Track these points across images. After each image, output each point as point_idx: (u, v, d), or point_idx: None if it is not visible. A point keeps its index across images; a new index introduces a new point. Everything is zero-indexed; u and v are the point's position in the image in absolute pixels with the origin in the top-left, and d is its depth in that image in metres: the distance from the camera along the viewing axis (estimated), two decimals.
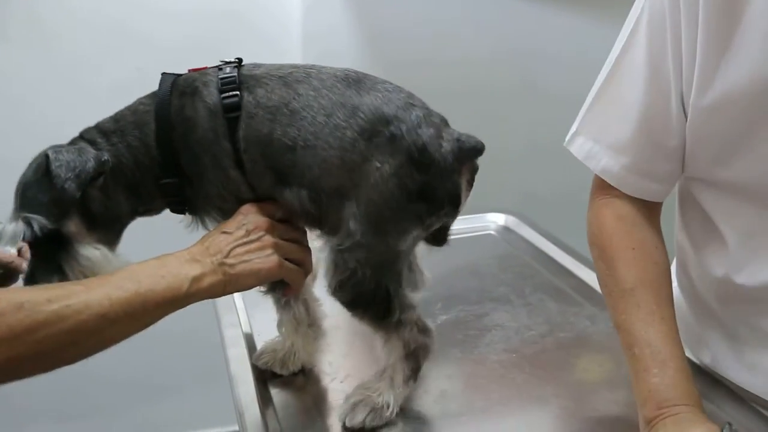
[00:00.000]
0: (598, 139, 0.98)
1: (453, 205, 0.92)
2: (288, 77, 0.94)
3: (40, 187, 0.92)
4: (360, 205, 0.89)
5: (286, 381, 1.07)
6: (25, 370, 0.76)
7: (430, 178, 0.88)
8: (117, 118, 0.98)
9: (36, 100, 1.82)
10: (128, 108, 0.99)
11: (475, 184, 1.02)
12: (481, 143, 0.92)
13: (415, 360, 0.97)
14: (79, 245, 0.95)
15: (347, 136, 0.88)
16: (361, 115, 0.89)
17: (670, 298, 0.92)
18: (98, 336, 0.80)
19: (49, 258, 0.94)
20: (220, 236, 0.93)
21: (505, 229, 1.60)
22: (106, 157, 0.95)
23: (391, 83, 0.94)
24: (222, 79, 0.94)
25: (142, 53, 1.82)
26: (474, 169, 0.95)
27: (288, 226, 0.99)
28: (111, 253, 0.98)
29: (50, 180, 0.91)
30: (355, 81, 0.92)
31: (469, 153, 0.91)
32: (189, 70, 0.99)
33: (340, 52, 2.03)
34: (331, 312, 1.17)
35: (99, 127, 0.98)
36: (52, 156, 0.91)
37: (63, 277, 0.94)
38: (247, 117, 0.93)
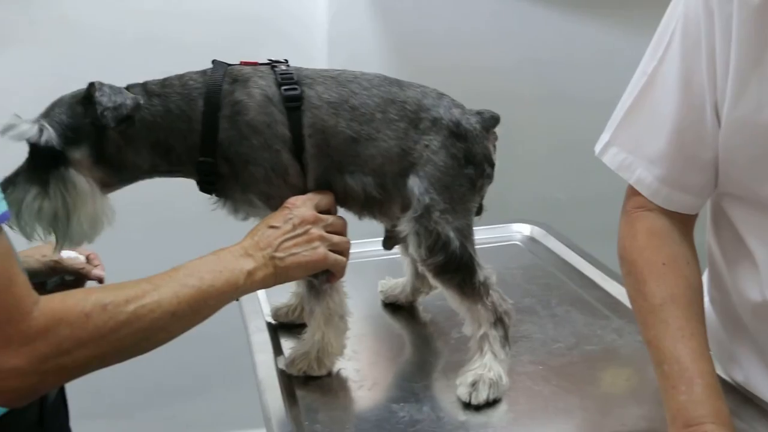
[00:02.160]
0: (632, 150, 0.99)
1: (490, 165, 1.08)
2: (339, 77, 1.07)
3: (69, 109, 0.98)
4: (422, 179, 1.03)
5: (313, 387, 1.08)
6: (105, 364, 0.81)
7: (468, 144, 1.05)
8: (165, 83, 1.03)
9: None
10: (178, 77, 1.04)
11: (499, 192, 1.13)
12: (497, 114, 1.09)
13: (503, 325, 1.07)
14: (74, 173, 0.98)
15: (401, 127, 1.05)
16: (408, 108, 1.05)
17: (701, 315, 0.93)
18: (167, 331, 0.86)
19: (41, 169, 0.97)
20: (269, 230, 0.99)
21: (531, 240, 1.61)
22: (141, 102, 1.00)
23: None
24: (281, 74, 1.04)
25: (168, 57, 1.84)
26: (496, 136, 1.10)
27: (331, 218, 1.04)
28: (100, 193, 1.01)
29: (85, 107, 0.97)
30: (394, 80, 1.08)
31: (490, 121, 1.09)
32: (241, 62, 1.06)
33: (365, 57, 2.05)
34: (357, 319, 1.19)
35: (145, 86, 1.03)
36: (97, 85, 0.97)
37: (41, 191, 0.96)
38: (311, 108, 1.03)
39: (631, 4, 2.16)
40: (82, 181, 0.98)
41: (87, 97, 0.97)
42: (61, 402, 1.03)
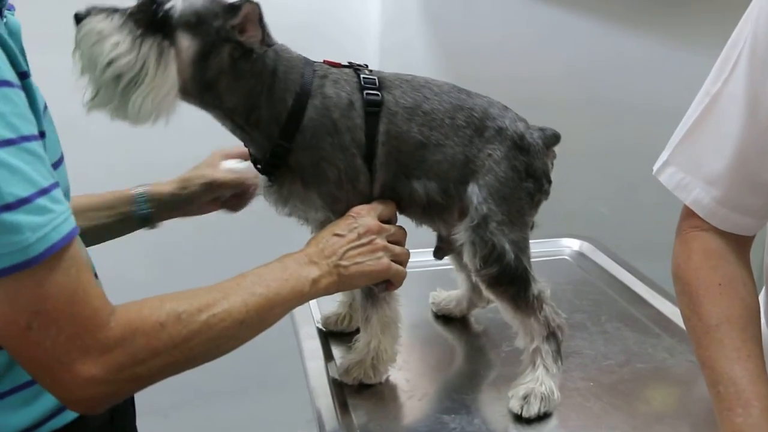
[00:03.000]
0: (690, 170, 0.99)
1: (548, 181, 1.09)
2: (413, 81, 1.07)
3: (212, 2, 0.94)
4: (481, 188, 1.04)
5: (364, 396, 1.10)
6: (177, 372, 0.82)
7: (530, 159, 1.06)
8: (281, 48, 1.02)
9: None
10: (287, 51, 1.04)
11: (546, 205, 1.12)
12: (558, 133, 1.11)
13: (555, 340, 1.08)
14: (172, 55, 0.92)
15: (467, 134, 1.06)
16: (476, 115, 1.06)
17: (758, 337, 0.92)
18: (236, 338, 0.87)
19: (143, 28, 0.90)
20: (333, 238, 1.00)
21: (580, 255, 1.61)
22: (273, 44, 0.99)
23: None
24: (365, 78, 1.04)
25: None
26: (555, 154, 1.12)
27: (393, 228, 1.06)
28: (176, 88, 0.93)
29: (227, 11, 0.94)
30: (462, 89, 1.09)
31: (551, 139, 1.10)
32: (324, 61, 1.07)
33: (416, 66, 2.04)
34: (406, 328, 1.20)
35: (274, 44, 1.00)
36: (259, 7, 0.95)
37: (130, 44, 0.89)
38: (389, 114, 1.04)
39: (675, 16, 2.15)
40: (172, 66, 0.92)
41: (237, 7, 0.94)
42: (130, 404, 1.05)
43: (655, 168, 1.04)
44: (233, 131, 1.05)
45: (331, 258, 0.98)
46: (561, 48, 2.22)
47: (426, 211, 1.08)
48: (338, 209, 1.04)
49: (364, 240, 1.01)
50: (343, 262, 0.99)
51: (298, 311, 1.31)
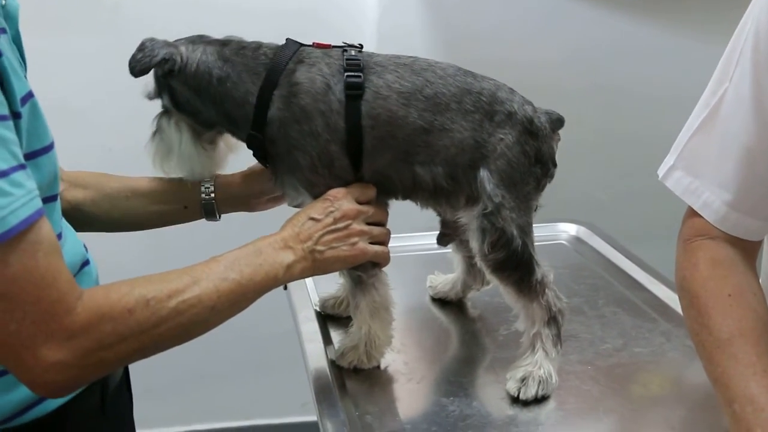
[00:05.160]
0: (698, 174, 0.96)
1: (554, 165, 1.09)
2: (413, 65, 1.05)
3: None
4: (493, 173, 1.04)
5: (363, 378, 1.10)
6: (144, 357, 0.82)
7: (539, 143, 1.06)
8: (240, 51, 1.06)
9: (114, 98, 1.90)
10: (256, 47, 1.07)
11: (545, 191, 1.12)
12: (563, 116, 1.11)
13: (556, 324, 1.08)
14: (166, 119, 1.12)
15: (476, 118, 1.04)
16: (484, 99, 1.05)
17: None
18: (206, 324, 0.87)
19: (157, 117, 1.13)
20: (309, 222, 1.00)
21: (577, 240, 1.62)
22: (170, 58, 1.04)
23: None
24: (348, 60, 1.03)
25: None
26: (559, 137, 1.11)
27: (372, 209, 1.06)
28: (190, 138, 1.11)
29: None
30: (468, 71, 1.07)
31: (556, 123, 1.10)
32: (314, 43, 1.07)
33: (415, 51, 2.05)
34: (405, 311, 1.22)
35: (224, 45, 1.07)
36: (142, 41, 1.05)
37: (153, 133, 1.12)
38: (377, 98, 1.02)
39: (680, 2, 2.15)
40: (171, 126, 1.11)
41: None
42: (125, 389, 1.05)
43: (660, 173, 1.02)
44: (234, 136, 1.13)
45: (307, 243, 0.98)
46: (563, 33, 2.23)
47: (433, 196, 1.08)
48: (316, 193, 1.05)
49: (339, 225, 1.01)
50: (318, 247, 0.99)
51: (296, 295, 1.33)
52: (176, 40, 1.08)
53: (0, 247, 0.69)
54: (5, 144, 0.70)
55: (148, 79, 1.08)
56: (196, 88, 1.06)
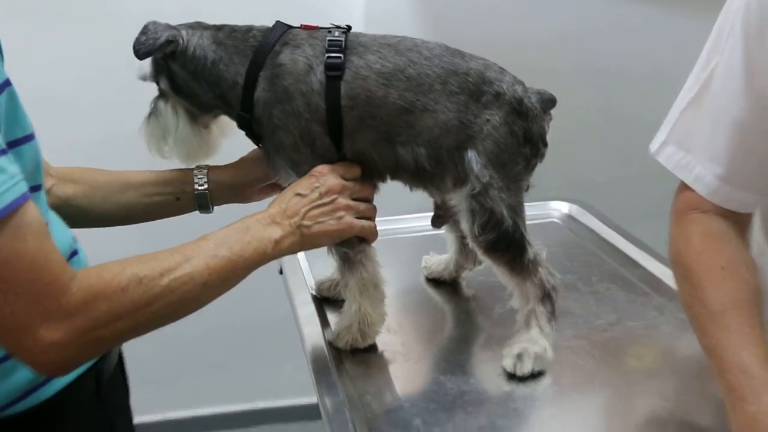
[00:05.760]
0: (690, 149, 0.97)
1: (544, 145, 1.09)
2: (398, 46, 1.06)
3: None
4: (481, 154, 1.04)
5: (361, 359, 1.12)
6: (138, 334, 0.84)
7: (528, 123, 1.06)
8: (233, 33, 1.09)
9: (107, 84, 1.90)
10: (246, 30, 1.09)
11: (537, 170, 1.12)
12: (554, 96, 1.10)
13: (550, 301, 1.10)
14: (163, 101, 1.13)
15: (461, 99, 1.04)
16: (471, 80, 1.05)
17: (764, 321, 0.89)
18: (198, 301, 0.88)
19: (154, 101, 1.15)
20: (295, 198, 1.02)
21: (569, 218, 1.63)
22: (176, 39, 1.07)
23: None
24: (330, 41, 1.04)
25: None
26: (551, 117, 1.11)
27: (358, 185, 1.07)
28: (186, 120, 1.13)
29: None
30: (456, 51, 1.07)
31: (548, 103, 1.10)
32: (301, 25, 1.09)
33: (402, 33, 2.07)
34: (401, 292, 1.24)
35: (218, 30, 1.10)
36: (145, 24, 1.07)
37: (148, 117, 1.14)
38: (356, 78, 1.03)
39: None
40: (168, 108, 1.12)
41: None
42: (120, 377, 1.06)
43: (652, 148, 1.03)
44: (231, 117, 1.13)
45: (294, 218, 1.00)
46: (555, 13, 2.22)
47: (415, 177, 1.09)
48: (301, 171, 1.07)
49: (326, 200, 1.03)
50: (306, 222, 1.01)
51: (293, 279, 1.34)
52: (177, 25, 1.09)
53: None
54: None
55: (144, 62, 1.09)
56: (194, 71, 1.08)
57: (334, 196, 1.03)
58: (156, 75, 1.11)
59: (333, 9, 2.08)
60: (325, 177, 1.04)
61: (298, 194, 1.02)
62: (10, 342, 0.76)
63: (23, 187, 0.74)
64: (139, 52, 1.05)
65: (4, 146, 0.74)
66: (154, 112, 1.13)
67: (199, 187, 1.14)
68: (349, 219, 1.04)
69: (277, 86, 1.04)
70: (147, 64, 1.10)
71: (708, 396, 1.01)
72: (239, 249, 0.92)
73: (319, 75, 1.03)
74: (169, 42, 1.06)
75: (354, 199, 1.06)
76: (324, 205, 1.02)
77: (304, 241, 1.01)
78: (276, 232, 0.98)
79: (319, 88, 1.04)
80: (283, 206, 1.01)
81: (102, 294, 0.78)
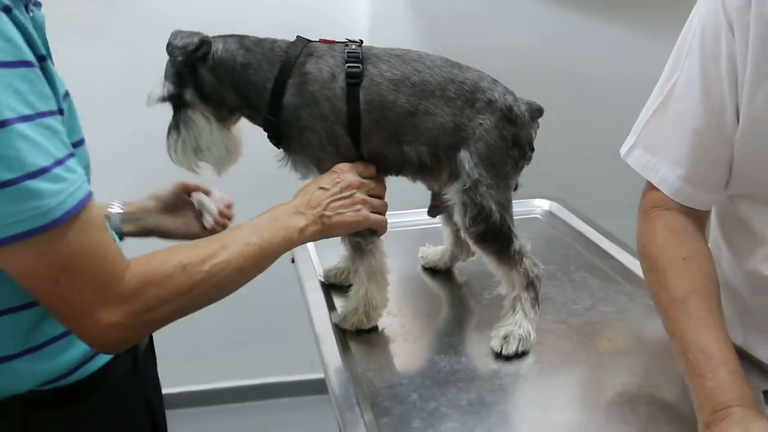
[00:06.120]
0: (655, 152, 1.00)
1: (531, 149, 1.13)
2: (405, 57, 1.10)
3: (172, 62, 1.09)
4: (473, 154, 1.08)
5: (364, 339, 1.15)
6: (184, 315, 0.87)
7: (517, 129, 1.10)
8: (260, 42, 1.11)
9: (129, 93, 1.91)
10: (272, 41, 1.12)
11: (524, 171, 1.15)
12: (542, 107, 1.14)
13: (534, 289, 1.13)
14: (191, 111, 1.11)
15: (458, 105, 1.08)
16: (466, 88, 1.09)
17: (720, 306, 0.93)
18: (234, 285, 0.91)
19: (176, 116, 1.12)
20: (318, 191, 1.05)
21: (550, 214, 1.66)
22: (209, 39, 1.08)
23: None
24: (349, 53, 1.08)
25: None
26: (538, 125, 1.15)
27: (373, 183, 1.10)
28: (217, 125, 1.12)
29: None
30: (455, 63, 1.12)
31: (536, 112, 1.14)
32: (320, 40, 1.12)
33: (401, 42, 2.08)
34: (401, 280, 1.26)
35: (243, 38, 1.11)
36: (174, 32, 1.08)
37: (176, 131, 1.11)
38: (371, 84, 1.08)
39: (658, 8, 2.17)
40: (198, 116, 1.11)
41: (168, 43, 1.07)
42: (150, 351, 1.08)
43: (622, 151, 1.06)
44: (251, 121, 1.15)
45: (317, 209, 1.03)
46: (530, 21, 2.24)
47: (418, 172, 1.13)
48: (324, 168, 1.10)
49: (345, 194, 1.06)
50: (327, 213, 1.04)
51: (303, 267, 1.37)
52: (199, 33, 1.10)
53: (61, 227, 0.73)
54: (58, 135, 0.74)
55: (154, 85, 1.09)
56: (222, 73, 1.09)
57: (353, 191, 1.07)
58: (180, 87, 1.09)
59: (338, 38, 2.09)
60: (346, 174, 1.07)
61: (321, 188, 1.05)
62: (74, 323, 0.79)
63: (88, 186, 0.77)
64: (177, 56, 1.06)
65: (72, 150, 0.77)
66: (183, 123, 1.11)
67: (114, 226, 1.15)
68: (365, 212, 1.07)
69: (304, 92, 1.08)
70: (160, 86, 1.09)
71: (672, 374, 1.04)
72: (269, 236, 0.96)
73: (341, 82, 1.07)
74: (203, 42, 1.07)
75: (369, 196, 1.09)
76: (344, 198, 1.06)
77: (325, 230, 1.04)
78: (301, 221, 1.01)
79: (341, 94, 1.07)
80: (307, 198, 1.04)
81: (152, 281, 0.81)
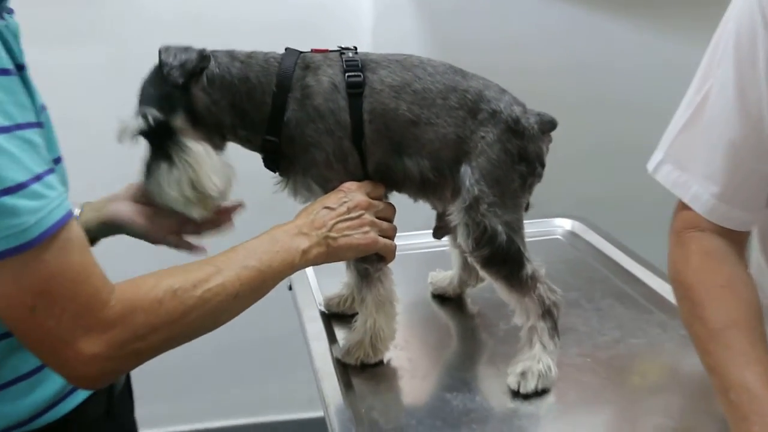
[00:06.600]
0: (686, 168, 0.94)
1: (541, 165, 1.06)
2: (405, 62, 1.05)
3: (154, 83, 0.99)
4: (474, 169, 1.02)
5: (368, 375, 1.07)
6: (175, 345, 0.81)
7: (524, 143, 1.03)
8: (251, 54, 1.04)
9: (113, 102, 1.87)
10: (263, 53, 1.04)
11: (539, 188, 1.08)
12: (555, 119, 1.07)
13: (551, 317, 1.05)
14: (184, 138, 1.00)
15: (460, 115, 1.03)
16: (469, 97, 1.03)
17: (764, 338, 0.86)
18: (230, 311, 0.85)
19: (161, 148, 0.99)
20: (323, 211, 0.99)
21: (572, 234, 1.59)
22: (207, 53, 1.00)
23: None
24: (347, 61, 1.03)
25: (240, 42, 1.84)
26: (550, 139, 1.08)
27: (382, 204, 1.04)
28: (212, 150, 1.02)
29: (162, 74, 0.97)
30: (459, 70, 1.06)
31: (547, 125, 1.06)
32: (312, 50, 1.06)
33: None
34: (407, 308, 1.19)
35: (232, 52, 1.03)
36: (163, 48, 0.98)
37: (170, 164, 0.98)
38: (372, 93, 1.02)
39: (673, 9, 2.12)
40: (193, 143, 1.00)
41: (160, 63, 0.98)
42: (127, 393, 1.03)
43: (650, 167, 0.99)
44: (246, 145, 1.06)
45: (321, 230, 0.97)
46: (555, 40, 2.20)
47: (421, 188, 1.07)
48: (331, 187, 1.03)
49: (353, 214, 1.00)
50: (332, 234, 0.97)
51: (300, 295, 1.31)
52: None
53: (38, 247, 0.68)
54: (37, 149, 0.70)
55: (127, 120, 0.98)
56: (218, 91, 1.01)
57: (361, 211, 1.00)
58: (168, 113, 0.98)
59: (343, 37, 2.02)
60: (354, 193, 1.01)
61: (327, 207, 0.99)
62: (51, 355, 0.74)
63: (69, 204, 0.73)
64: (178, 75, 0.96)
65: (52, 165, 0.73)
66: (175, 153, 0.98)
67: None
68: (374, 235, 1.01)
69: (307, 106, 1.02)
70: (136, 115, 0.97)
71: (712, 414, 0.96)
72: (268, 259, 0.90)
73: (342, 92, 1.02)
74: (203, 57, 0.99)
75: (377, 218, 1.03)
76: (351, 219, 0.99)
77: (330, 252, 0.98)
78: (303, 243, 0.95)
79: (344, 105, 1.02)
80: (311, 218, 0.98)
81: (140, 307, 0.76)
